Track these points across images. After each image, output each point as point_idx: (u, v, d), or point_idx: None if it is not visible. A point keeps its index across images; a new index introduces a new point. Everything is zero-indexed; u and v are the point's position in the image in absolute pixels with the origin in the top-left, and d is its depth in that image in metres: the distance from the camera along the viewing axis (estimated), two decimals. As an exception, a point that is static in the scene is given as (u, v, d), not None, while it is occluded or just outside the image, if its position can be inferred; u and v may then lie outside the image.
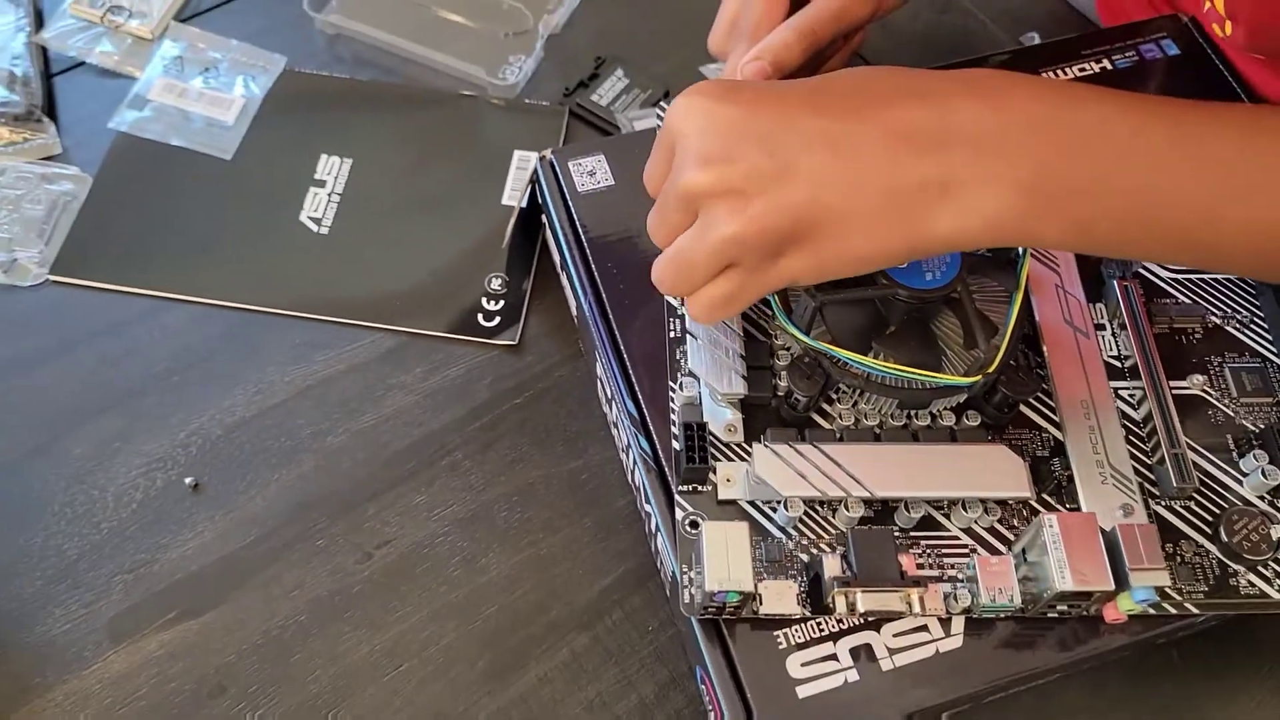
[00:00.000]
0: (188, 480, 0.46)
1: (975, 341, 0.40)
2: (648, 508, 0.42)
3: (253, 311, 0.51)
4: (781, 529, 0.40)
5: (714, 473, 0.41)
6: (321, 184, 0.55)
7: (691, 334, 0.42)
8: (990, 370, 0.39)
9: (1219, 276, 0.47)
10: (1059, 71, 0.55)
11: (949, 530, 0.41)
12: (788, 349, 0.43)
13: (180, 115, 0.57)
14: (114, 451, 0.47)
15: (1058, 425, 0.43)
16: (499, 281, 0.52)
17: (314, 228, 0.53)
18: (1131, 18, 0.58)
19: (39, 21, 0.60)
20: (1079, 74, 0.56)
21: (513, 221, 0.53)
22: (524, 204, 0.53)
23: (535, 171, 0.50)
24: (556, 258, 0.50)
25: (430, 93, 0.58)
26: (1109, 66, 0.57)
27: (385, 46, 0.60)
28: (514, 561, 0.46)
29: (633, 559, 0.46)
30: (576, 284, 0.47)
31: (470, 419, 0.49)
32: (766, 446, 0.40)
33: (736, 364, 0.42)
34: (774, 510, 0.40)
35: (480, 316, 0.51)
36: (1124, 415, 0.43)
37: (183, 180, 0.55)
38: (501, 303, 0.51)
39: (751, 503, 0.40)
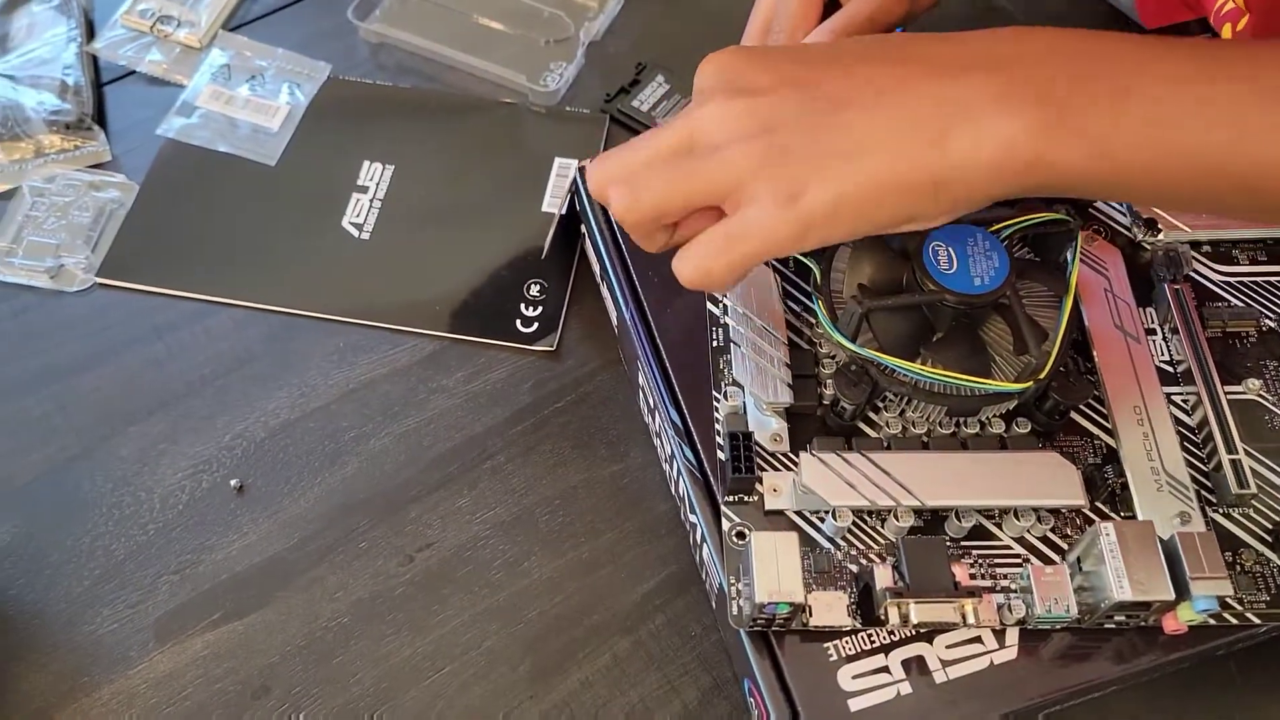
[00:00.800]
0: (233, 482, 0.47)
1: (1025, 347, 0.39)
2: (693, 518, 0.42)
3: (295, 315, 0.51)
4: (830, 539, 0.39)
5: (760, 483, 0.40)
6: (364, 190, 0.55)
7: (735, 343, 0.42)
8: (1041, 376, 0.39)
9: (1273, 278, 0.46)
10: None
11: (1001, 540, 0.40)
12: (833, 357, 0.43)
13: (226, 122, 0.57)
14: (160, 454, 0.47)
15: (1110, 432, 0.42)
16: (538, 288, 0.52)
17: (356, 233, 0.54)
18: (1173, 19, 0.57)
19: (90, 32, 0.61)
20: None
21: (553, 229, 0.53)
22: (564, 211, 0.53)
23: (575, 179, 0.50)
24: (596, 267, 0.50)
25: (472, 100, 0.59)
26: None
27: (427, 54, 0.61)
28: (556, 565, 0.45)
29: (675, 564, 0.45)
30: (617, 293, 0.47)
31: (512, 423, 0.49)
32: (814, 455, 0.39)
33: (782, 372, 0.41)
34: (821, 520, 0.40)
35: (519, 322, 0.51)
36: (1178, 421, 0.42)
37: (228, 186, 0.55)
38: (540, 309, 0.51)
39: (799, 513, 0.40)
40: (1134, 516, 0.40)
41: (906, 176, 0.33)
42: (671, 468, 0.44)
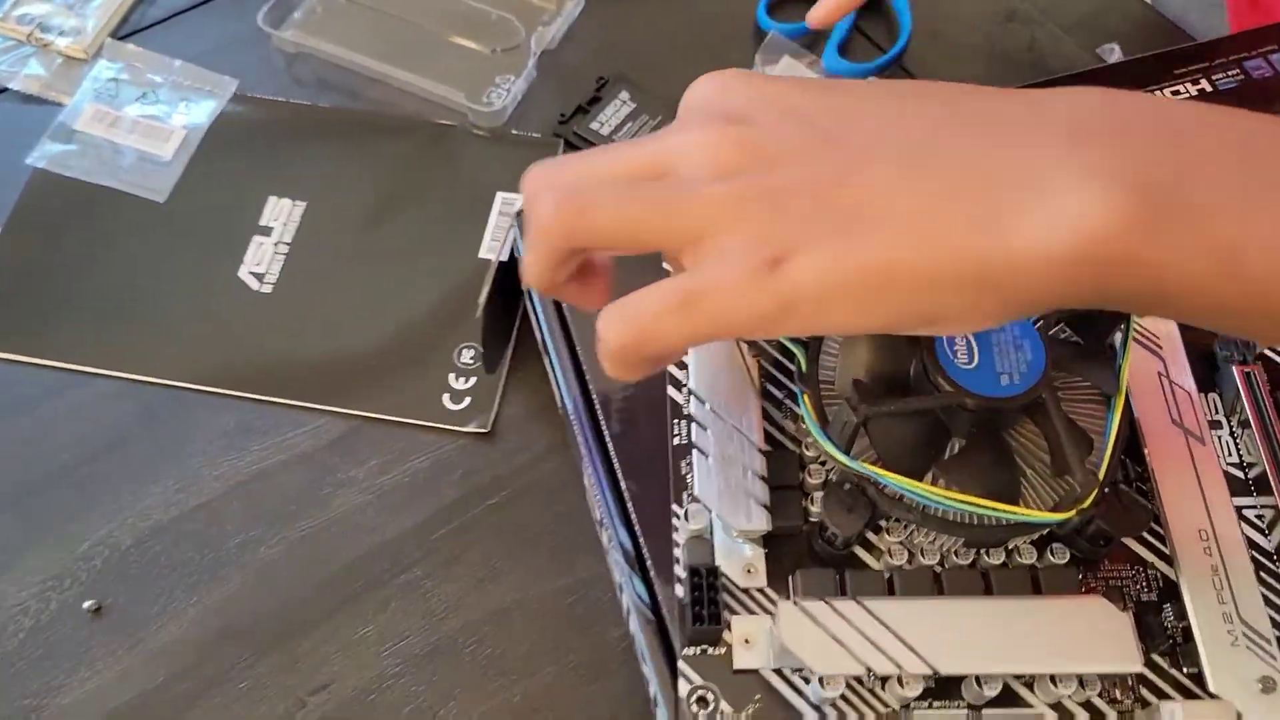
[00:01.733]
0: (87, 604, 0.38)
1: (1066, 464, 0.30)
2: (645, 670, 0.33)
3: (178, 388, 0.43)
4: (816, 708, 0.31)
5: (729, 630, 0.32)
6: (267, 232, 0.46)
7: (698, 448, 0.34)
8: (1086, 505, 0.30)
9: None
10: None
11: (1033, 708, 0.31)
12: (822, 463, 0.34)
13: (110, 149, 0.49)
14: (2, 566, 0.39)
15: (1168, 559, 0.34)
16: (471, 354, 0.43)
17: (255, 284, 0.45)
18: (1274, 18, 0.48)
19: (-44, 39, 0.52)
20: (1172, 96, 0.47)
21: (489, 281, 0.44)
22: (504, 258, 0.44)
23: (515, 221, 0.41)
24: (538, 336, 0.41)
25: (401, 121, 0.50)
26: (1208, 88, 0.48)
27: (352, 67, 0.52)
28: (482, 712, 0.37)
29: (628, 707, 0.37)
30: (558, 372, 0.38)
31: (433, 525, 0.40)
32: (796, 605, 0.31)
33: (756, 488, 0.33)
34: (806, 681, 0.31)
35: (447, 398, 0.42)
36: (1253, 545, 0.34)
37: (106, 227, 0.46)
38: (473, 379, 0.43)
39: (778, 671, 0.32)
40: (1201, 674, 0.32)
41: (938, 264, 0.24)
42: (623, 599, 0.36)
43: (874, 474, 0.31)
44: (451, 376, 0.43)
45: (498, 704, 0.37)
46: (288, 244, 0.46)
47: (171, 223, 0.47)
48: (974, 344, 0.31)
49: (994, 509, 0.30)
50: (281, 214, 0.47)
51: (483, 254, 0.46)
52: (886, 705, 0.31)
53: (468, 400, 0.42)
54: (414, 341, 0.44)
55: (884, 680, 0.31)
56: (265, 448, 0.42)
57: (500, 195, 0.47)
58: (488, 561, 0.40)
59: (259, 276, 0.45)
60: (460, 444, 0.42)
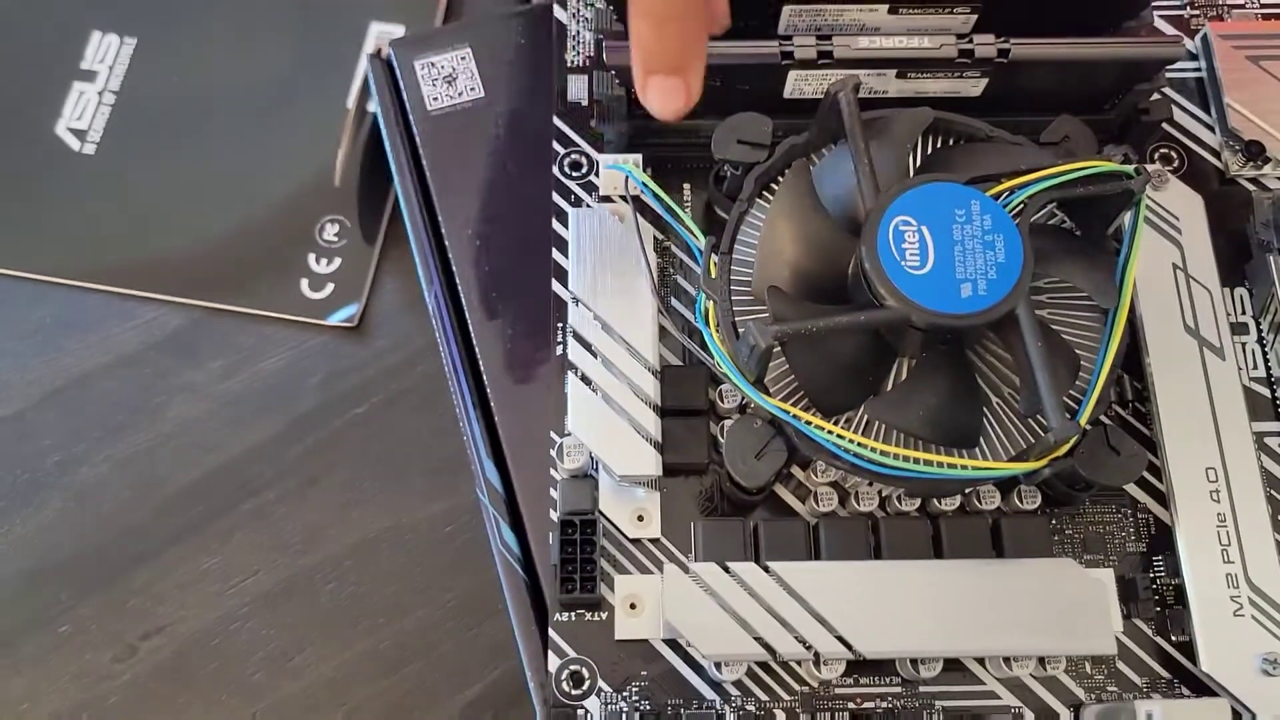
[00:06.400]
0: (-126, 537, 0.32)
1: (1037, 403, 0.23)
2: (515, 638, 0.28)
3: (-20, 274, 0.35)
4: (716, 687, 0.25)
5: (611, 592, 0.26)
6: (90, 77, 0.38)
7: (576, 368, 0.26)
8: (1060, 454, 0.23)
9: None
10: None
11: (984, 684, 0.26)
12: (735, 385, 0.27)
13: (-103, -32, 0.39)
14: None
15: (1163, 499, 0.27)
16: (335, 229, 0.36)
17: (75, 144, 0.37)
18: None
19: None
20: None
21: (345, 137, 0.36)
22: (373, 109, 0.36)
23: (367, 74, 0.33)
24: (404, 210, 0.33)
25: (258, -69, 0.40)
26: None
27: None
28: (342, 660, 0.32)
29: (512, 657, 0.31)
30: (417, 258, 0.31)
31: (288, 440, 0.34)
32: (683, 570, 0.24)
33: (645, 419, 0.26)
34: (705, 659, 0.25)
35: (306, 284, 0.35)
36: (1272, 481, 0.27)
37: (-107, 70, 0.38)
38: (338, 261, 0.35)
39: (671, 643, 0.26)
40: (1191, 649, 0.26)
41: None
42: (492, 544, 0.29)
43: (785, 414, 0.24)
44: (312, 258, 0.35)
45: (361, 651, 0.32)
46: (115, 92, 0.38)
47: (-27, 65, 0.38)
48: (929, 241, 0.24)
49: (934, 467, 0.23)
50: (108, 54, 0.38)
51: (352, 102, 0.37)
52: (803, 684, 0.26)
53: (330, 287, 0.35)
54: (266, 215, 0.36)
55: (800, 661, 0.25)
56: (87, 346, 0.35)
57: (375, 27, 0.38)
58: (352, 484, 0.33)
59: (79, 134, 0.37)
60: (322, 341, 0.35)
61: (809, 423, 0.23)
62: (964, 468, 0.23)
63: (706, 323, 0.25)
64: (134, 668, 0.32)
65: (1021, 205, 0.25)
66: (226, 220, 0.36)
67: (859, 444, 0.23)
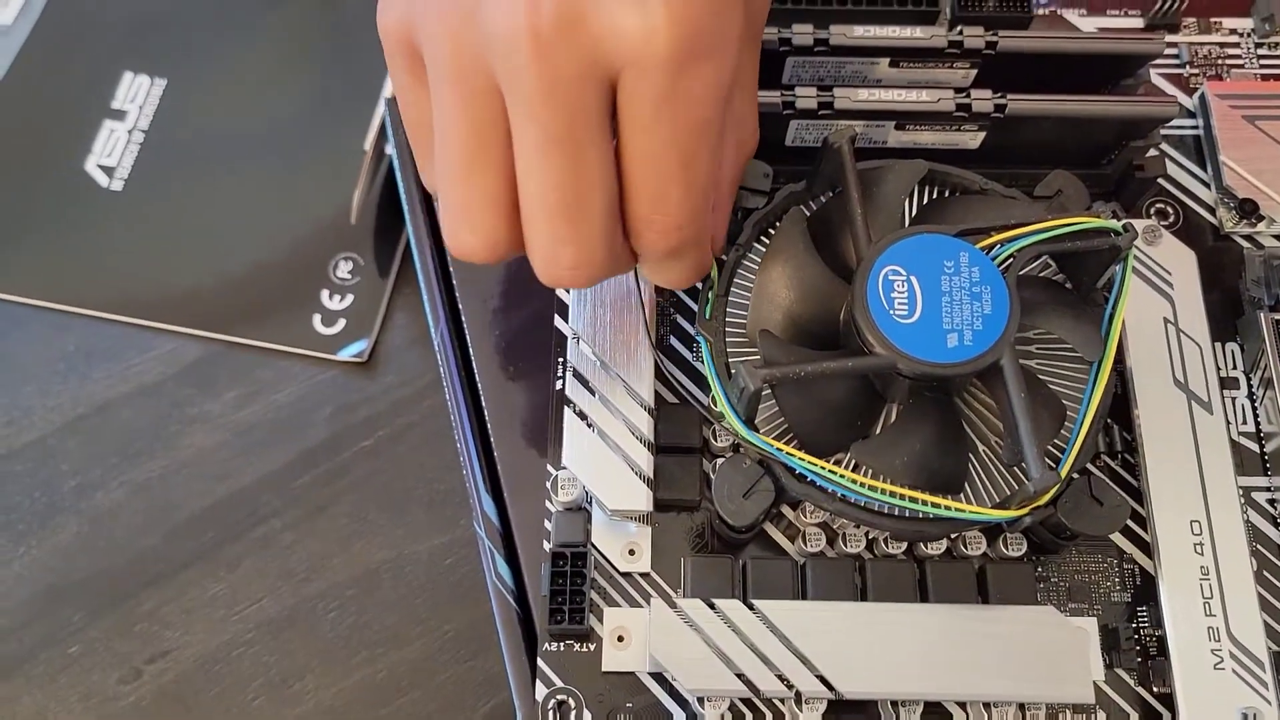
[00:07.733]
0: (-105, 554, 0.33)
1: (1018, 453, 0.24)
2: (506, 663, 0.28)
3: (10, 303, 0.37)
4: (694, 726, 0.26)
5: (600, 624, 0.26)
6: (120, 116, 0.39)
7: (572, 403, 0.27)
8: (1041, 503, 0.24)
9: None
10: None
11: (961, 733, 0.26)
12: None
13: (-56, 10, 0.41)
14: None
15: (1148, 549, 0.28)
16: (349, 268, 0.37)
17: (104, 180, 0.38)
18: None
19: None
20: None
21: (362, 177, 0.37)
22: (390, 151, 0.37)
23: (384, 117, 0.34)
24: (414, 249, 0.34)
25: (287, -21, 0.42)
26: None
27: (231, -89, 0.43)
28: (341, 688, 0.32)
29: (508, 689, 0.32)
30: (425, 296, 0.32)
31: (297, 470, 0.35)
32: (670, 606, 0.25)
33: (638, 456, 0.27)
34: (688, 693, 0.26)
35: (319, 319, 0.36)
36: (1258, 536, 0.28)
37: (-66, 107, 0.39)
38: (350, 298, 0.36)
39: (656, 676, 0.26)
40: (1172, 701, 0.26)
41: None
42: (486, 576, 0.30)
43: (775, 450, 0.24)
44: (325, 294, 0.36)
45: (359, 680, 0.32)
46: (144, 131, 0.39)
47: (7, 104, 0.40)
48: (918, 291, 0.24)
49: (919, 503, 0.24)
50: (138, 94, 0.40)
51: (370, 144, 0.39)
52: (786, 724, 0.26)
53: (342, 323, 0.36)
54: (283, 252, 0.37)
55: (782, 698, 0.26)
56: (109, 376, 0.36)
57: (396, 73, 0.40)
58: (358, 514, 0.34)
59: (109, 170, 0.38)
60: (332, 375, 0.36)
61: (794, 456, 0.24)
62: (945, 508, 0.23)
63: (710, 361, 0.26)
64: (138, 690, 0.32)
65: (1010, 258, 0.26)
66: (245, 256, 0.37)
67: (841, 476, 0.23)
